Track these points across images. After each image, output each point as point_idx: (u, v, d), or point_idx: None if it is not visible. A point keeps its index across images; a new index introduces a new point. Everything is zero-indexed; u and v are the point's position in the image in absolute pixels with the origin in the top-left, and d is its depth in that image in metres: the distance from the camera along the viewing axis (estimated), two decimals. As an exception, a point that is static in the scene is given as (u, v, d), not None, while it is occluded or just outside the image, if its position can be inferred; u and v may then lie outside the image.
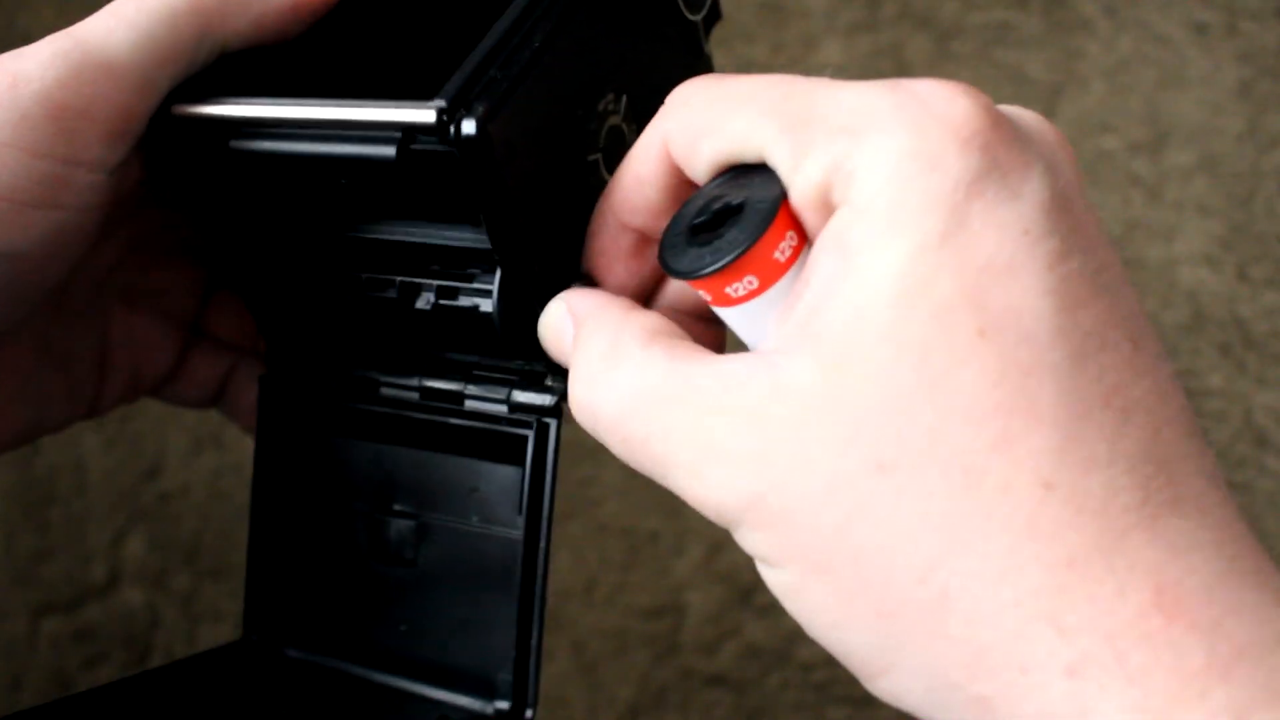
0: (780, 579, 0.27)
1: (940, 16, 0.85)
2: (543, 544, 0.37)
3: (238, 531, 0.73)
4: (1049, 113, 0.83)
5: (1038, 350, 0.24)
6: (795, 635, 0.72)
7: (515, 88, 0.30)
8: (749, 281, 0.27)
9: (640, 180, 0.31)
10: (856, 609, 0.25)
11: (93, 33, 0.33)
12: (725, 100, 0.28)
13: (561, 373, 0.35)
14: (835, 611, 0.26)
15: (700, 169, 0.29)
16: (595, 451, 0.76)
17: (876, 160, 0.24)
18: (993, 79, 0.83)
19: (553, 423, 0.36)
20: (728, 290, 0.28)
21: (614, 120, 0.34)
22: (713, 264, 0.27)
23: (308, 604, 0.41)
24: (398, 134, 0.30)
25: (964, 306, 0.24)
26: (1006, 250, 0.24)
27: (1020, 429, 0.23)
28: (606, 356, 0.29)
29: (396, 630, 0.40)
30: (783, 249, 0.27)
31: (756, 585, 0.73)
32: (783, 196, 0.27)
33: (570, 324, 0.31)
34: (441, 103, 0.29)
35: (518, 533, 0.36)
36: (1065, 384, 0.23)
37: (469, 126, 0.29)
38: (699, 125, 0.28)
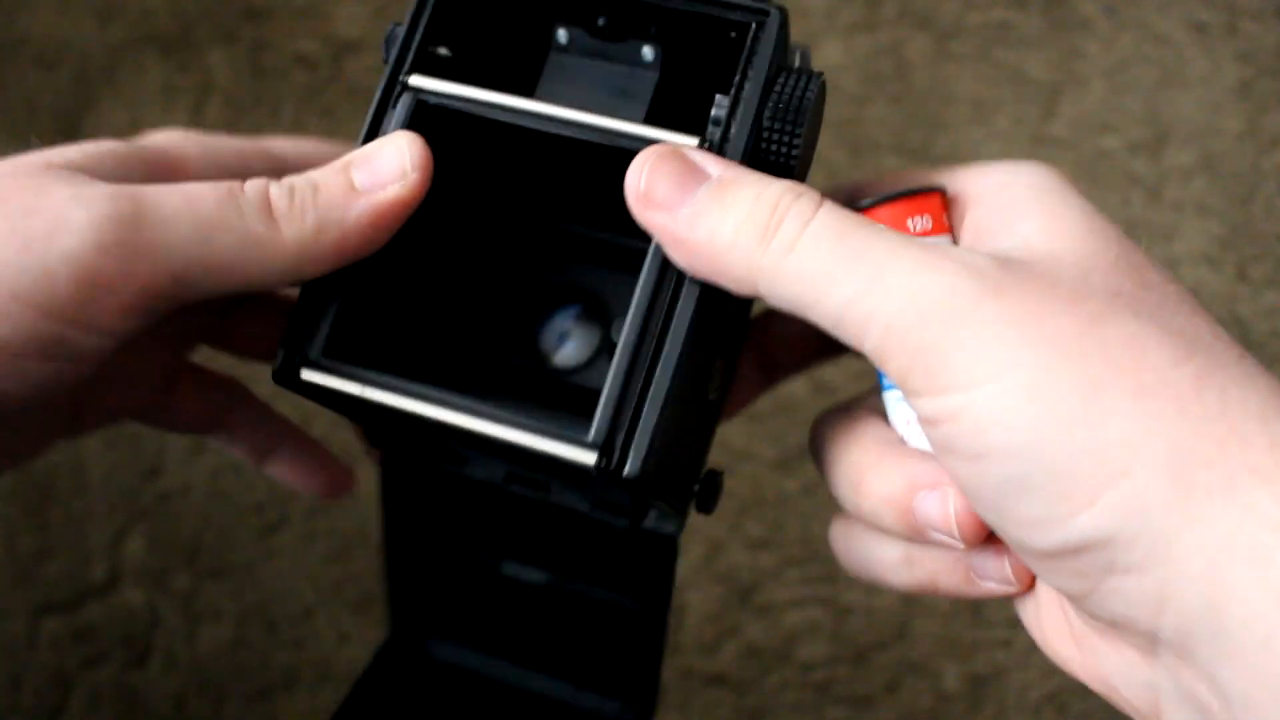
0: (1010, 384, 0.27)
1: (940, 16, 0.85)
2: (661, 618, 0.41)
3: (238, 531, 0.73)
4: (1049, 113, 0.83)
5: (1179, 288, 0.30)
6: (795, 635, 0.72)
7: (663, 417, 0.32)
8: (926, 219, 0.32)
9: None
10: (1110, 394, 0.26)
11: (157, 205, 0.30)
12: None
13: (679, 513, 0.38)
14: (1085, 400, 0.26)
15: None
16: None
17: (1029, 166, 0.34)
18: (993, 79, 0.83)
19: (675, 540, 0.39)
20: (909, 221, 0.32)
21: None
22: (901, 192, 0.32)
23: (446, 606, 0.43)
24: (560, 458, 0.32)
25: (1130, 242, 0.31)
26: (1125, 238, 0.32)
27: (1204, 313, 0.30)
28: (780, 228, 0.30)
29: (529, 633, 0.42)
30: (947, 217, 0.33)
31: (756, 585, 0.73)
32: (943, 187, 0.34)
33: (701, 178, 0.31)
34: (594, 455, 0.32)
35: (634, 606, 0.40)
36: (1204, 312, 0.30)
37: (632, 469, 0.32)
38: None
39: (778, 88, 0.33)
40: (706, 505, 0.38)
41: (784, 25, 0.33)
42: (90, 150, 0.33)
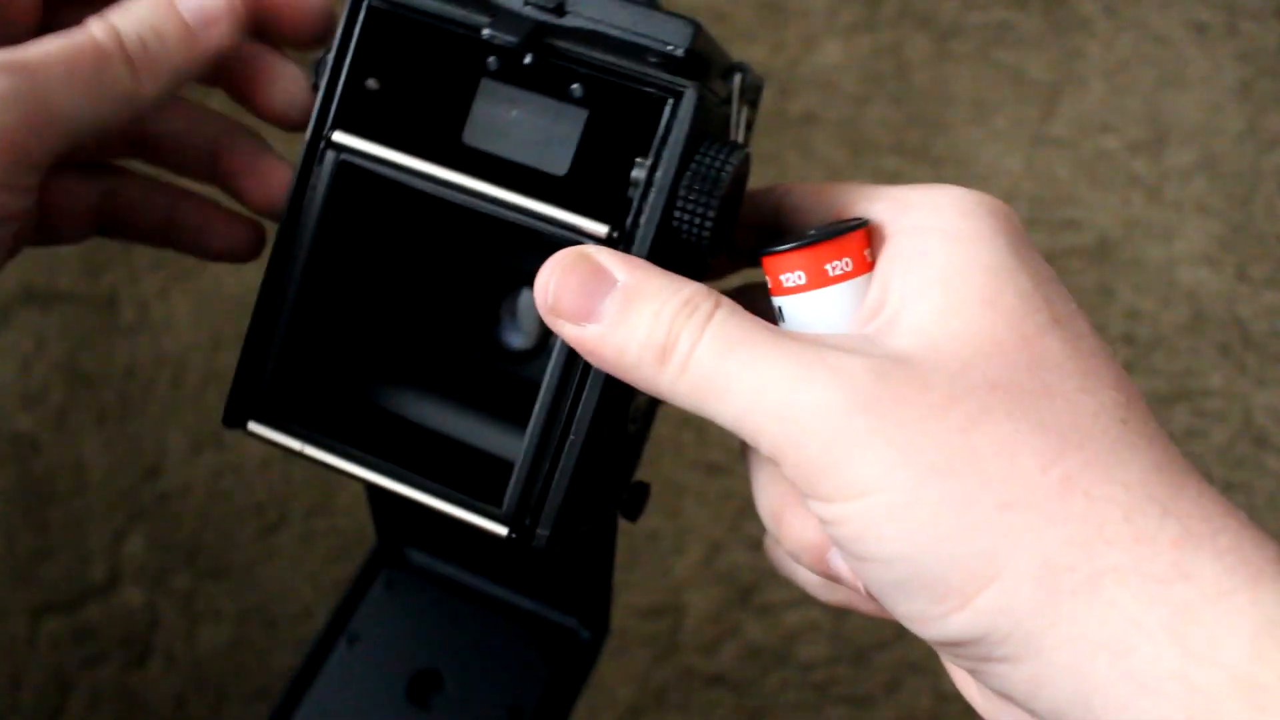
0: (883, 500, 0.28)
1: (940, 16, 0.85)
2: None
3: (238, 531, 0.73)
4: (1049, 113, 0.83)
5: (1090, 344, 0.30)
6: (795, 635, 0.72)
7: (572, 489, 0.34)
8: (846, 263, 0.32)
9: None
10: (978, 507, 0.27)
11: (47, 77, 0.33)
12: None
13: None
14: (953, 515, 0.27)
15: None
16: (595, 451, 0.76)
17: (956, 196, 0.32)
18: (993, 79, 0.83)
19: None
20: (827, 266, 0.32)
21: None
22: (822, 235, 0.32)
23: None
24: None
25: (1039, 299, 0.30)
26: (1052, 280, 0.31)
27: (1095, 384, 0.29)
28: (666, 348, 0.30)
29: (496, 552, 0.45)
30: (868, 253, 0.32)
31: (756, 585, 0.73)
32: (866, 223, 0.33)
33: (605, 283, 0.31)
34: (505, 529, 0.34)
35: None
36: (1113, 370, 0.30)
37: (538, 542, 0.34)
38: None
39: (694, 163, 0.33)
40: (631, 514, 0.40)
41: (703, 99, 0.33)
42: None
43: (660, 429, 0.76)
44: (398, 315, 0.39)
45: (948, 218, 0.31)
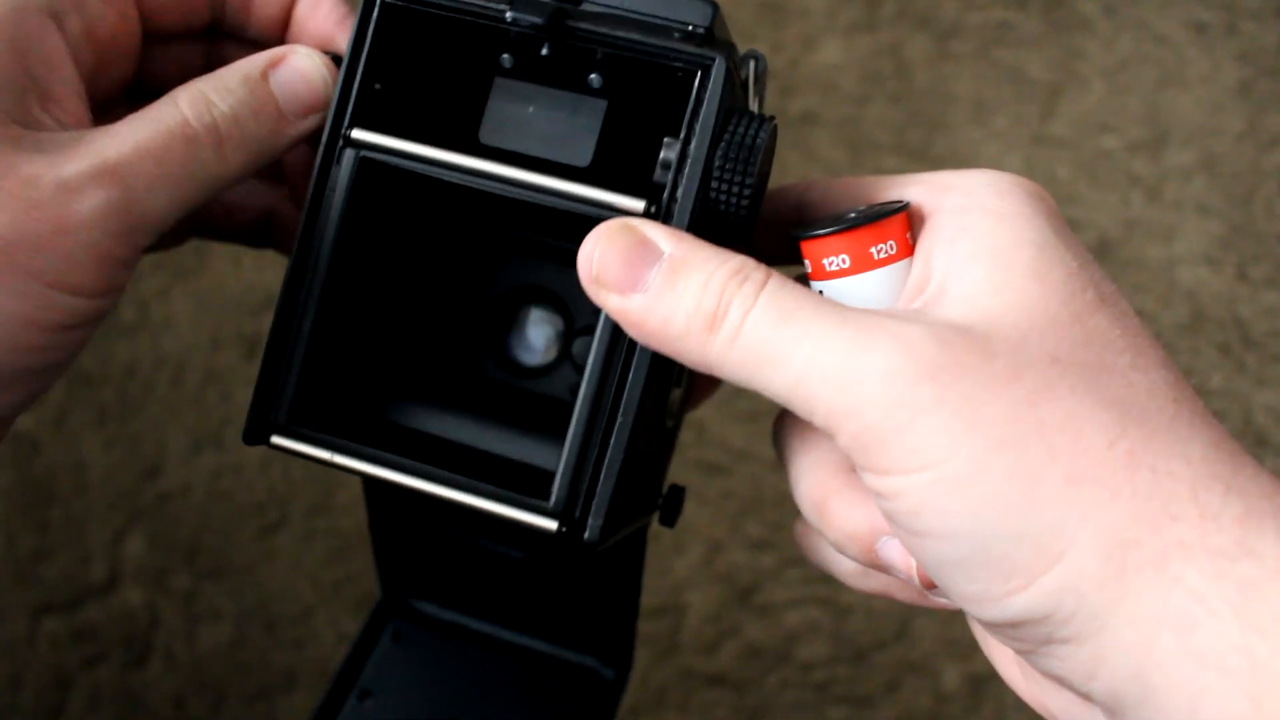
0: (947, 472, 0.27)
1: (940, 16, 0.85)
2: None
3: (238, 531, 0.73)
4: (1049, 113, 0.83)
5: (1134, 324, 0.30)
6: (795, 635, 0.72)
7: (621, 479, 0.33)
8: (890, 245, 0.32)
9: None
10: (1045, 481, 0.27)
11: (138, 184, 0.32)
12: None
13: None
14: (1019, 489, 0.27)
15: None
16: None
17: (993, 178, 0.32)
18: (993, 79, 0.83)
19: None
20: (873, 249, 0.32)
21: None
22: (865, 217, 0.32)
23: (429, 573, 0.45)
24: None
25: (1085, 278, 0.30)
26: (1093, 263, 0.31)
27: (1145, 363, 0.29)
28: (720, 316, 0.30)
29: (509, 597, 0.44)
30: (910, 236, 0.32)
31: (756, 585, 0.73)
32: (907, 205, 0.33)
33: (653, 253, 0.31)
34: (555, 523, 0.33)
35: None
36: (1158, 349, 0.30)
37: (592, 534, 0.33)
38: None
39: (727, 135, 0.32)
40: (669, 519, 0.39)
41: (730, 71, 0.32)
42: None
43: (660, 429, 0.77)
44: (413, 327, 0.38)
45: (987, 197, 0.31)
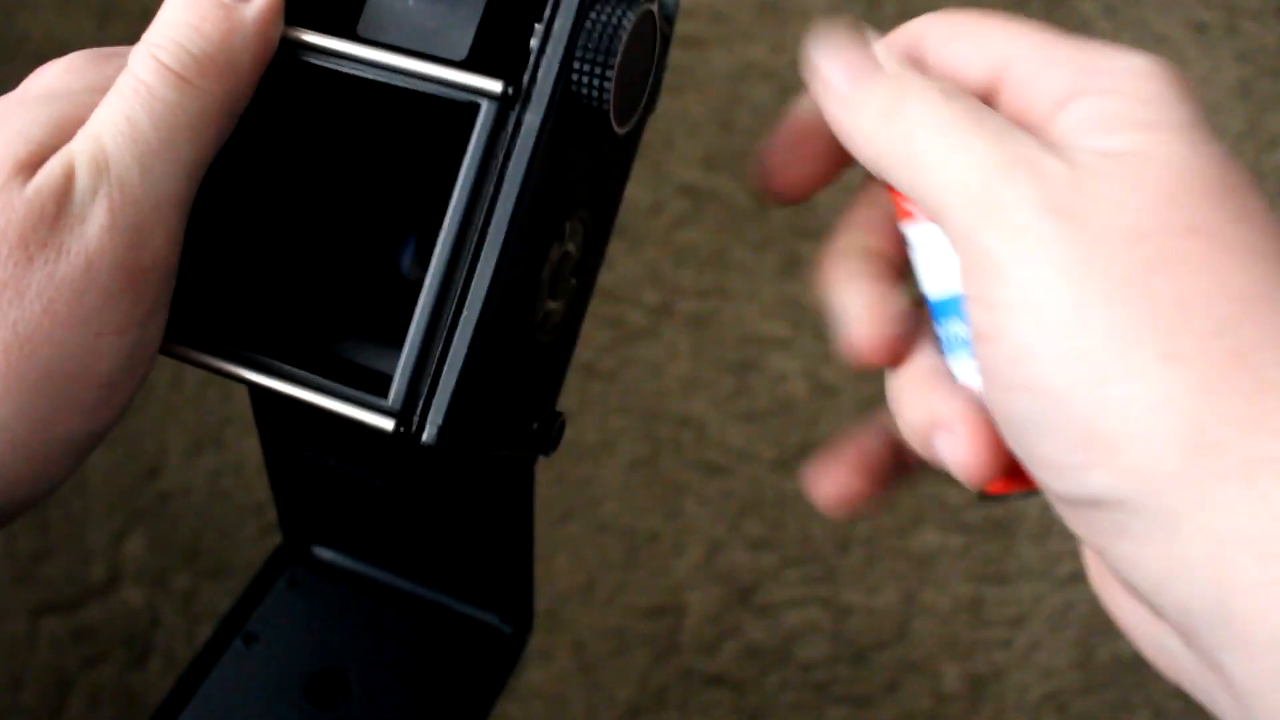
0: (1049, 317, 0.27)
1: (940, 16, 0.85)
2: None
3: (238, 531, 0.73)
4: (1049, 113, 0.83)
5: (1273, 235, 0.28)
6: (795, 635, 0.72)
7: (466, 377, 0.31)
8: None
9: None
10: (1142, 351, 0.26)
11: (129, 173, 0.30)
12: (984, 19, 0.33)
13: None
14: (1116, 351, 0.26)
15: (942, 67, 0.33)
16: (595, 451, 0.76)
17: (1142, 62, 0.30)
18: (993, 79, 0.83)
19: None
20: None
21: (561, 252, 0.35)
22: None
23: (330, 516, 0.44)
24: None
25: (1235, 176, 0.28)
26: (1232, 160, 0.29)
27: (1278, 265, 0.27)
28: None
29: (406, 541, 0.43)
30: None
31: (756, 585, 0.73)
32: None
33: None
34: (392, 422, 0.31)
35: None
36: None
37: (430, 436, 0.31)
38: (958, 28, 0.33)
39: (589, 21, 0.31)
40: (545, 448, 0.38)
41: None
42: (34, 137, 0.31)
43: (660, 428, 0.76)
44: (299, 236, 0.37)
45: (1136, 81, 0.30)
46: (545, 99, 0.31)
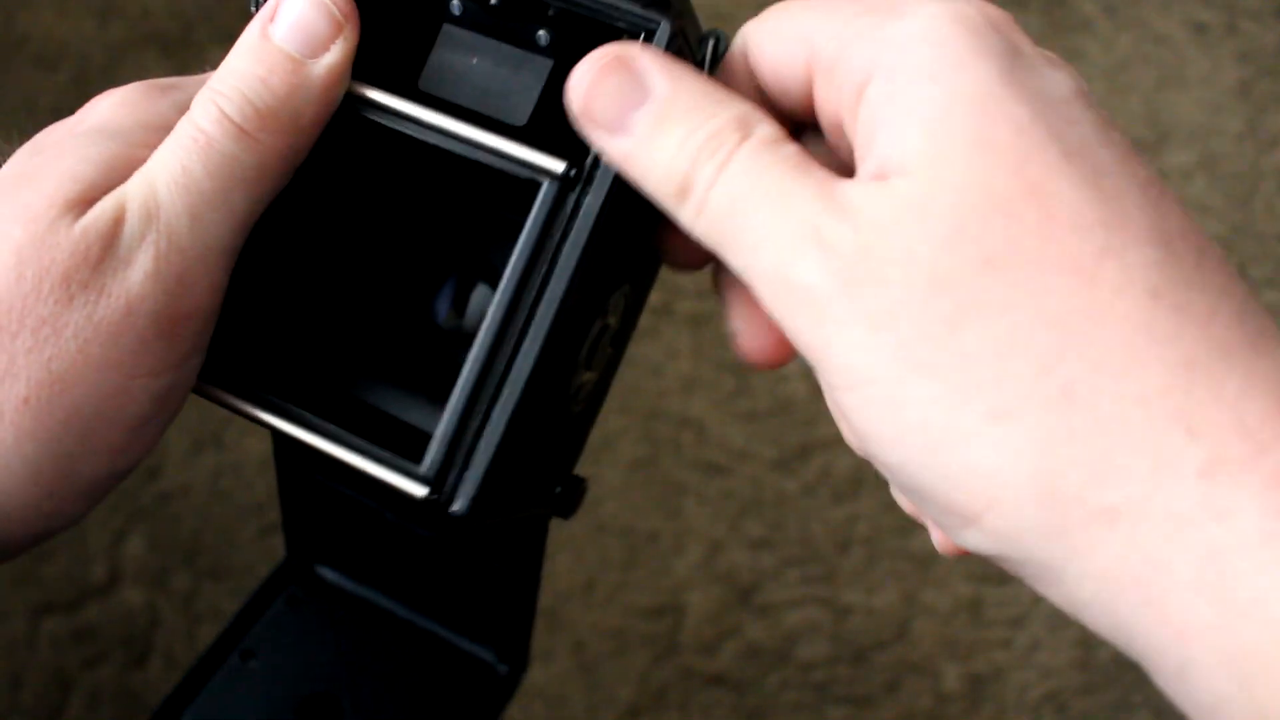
0: (878, 393, 0.25)
1: (940, 16, 0.85)
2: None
3: (238, 531, 0.73)
4: (1049, 113, 0.83)
5: (1116, 182, 0.25)
6: (795, 635, 0.72)
7: (503, 451, 0.31)
8: None
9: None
10: (967, 414, 0.24)
11: (179, 222, 0.30)
12: (790, 4, 0.30)
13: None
14: (941, 421, 0.24)
15: (766, 75, 0.30)
16: (595, 451, 0.76)
17: (916, 28, 0.26)
18: (993, 79, 0.83)
19: None
20: None
21: (602, 324, 0.35)
22: None
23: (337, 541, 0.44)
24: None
25: (1043, 132, 0.25)
26: (1066, 101, 0.26)
27: (1120, 243, 0.24)
28: (704, 146, 0.27)
29: (411, 572, 0.43)
30: None
31: (756, 585, 0.73)
32: None
33: (640, 91, 0.28)
34: (425, 489, 0.31)
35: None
36: (1149, 212, 0.25)
37: (461, 507, 0.31)
38: (772, 22, 0.30)
39: None
40: (565, 511, 0.38)
41: (679, 38, 0.30)
42: (85, 177, 0.31)
43: (660, 428, 0.76)
44: (342, 286, 0.37)
45: (922, 48, 0.26)
46: (607, 184, 0.30)
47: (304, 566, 0.45)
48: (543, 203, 0.30)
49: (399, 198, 0.36)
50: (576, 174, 0.31)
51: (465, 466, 0.31)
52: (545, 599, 0.72)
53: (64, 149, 0.32)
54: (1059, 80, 0.26)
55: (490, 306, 0.31)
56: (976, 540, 0.25)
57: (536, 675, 0.71)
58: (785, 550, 0.73)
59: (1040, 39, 0.87)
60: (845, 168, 0.30)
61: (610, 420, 0.76)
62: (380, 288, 0.37)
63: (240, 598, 0.63)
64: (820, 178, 0.26)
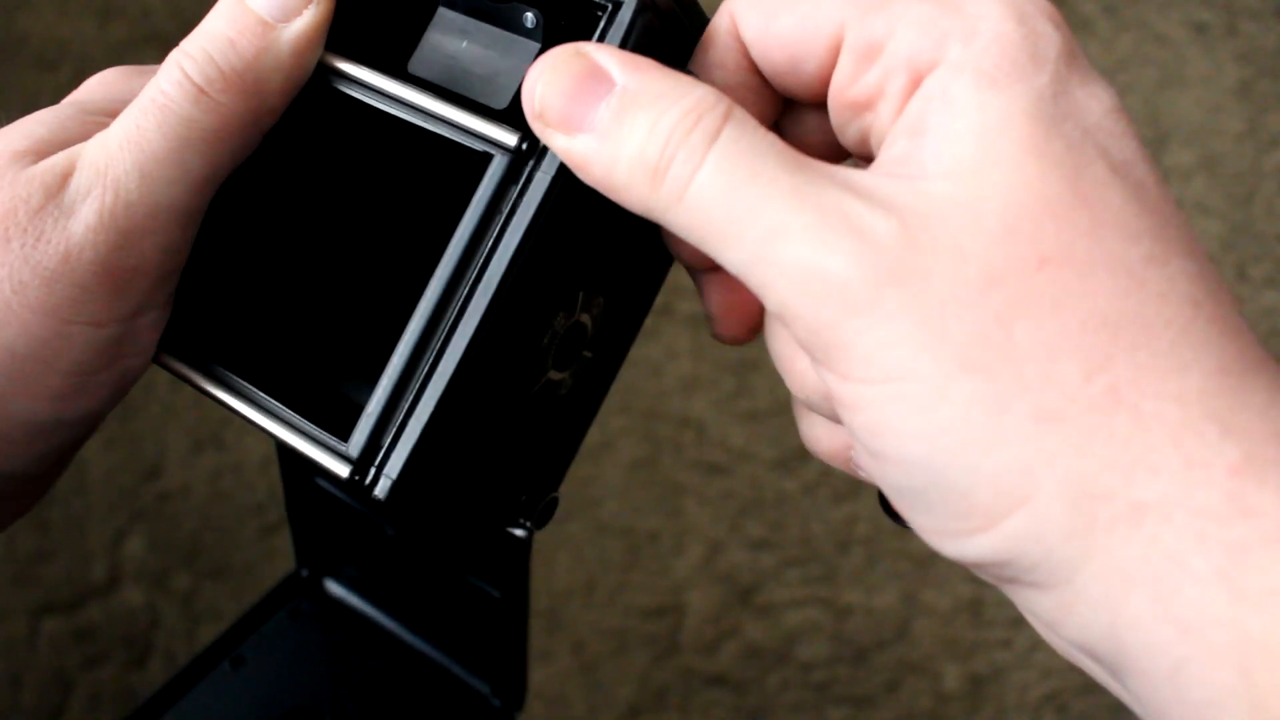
0: (907, 390, 0.24)
1: (940, 16, 0.85)
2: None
3: (238, 531, 0.73)
4: (1049, 113, 0.83)
5: (1156, 195, 0.26)
6: (795, 635, 0.72)
7: (432, 432, 0.29)
8: None
9: (712, 67, 0.30)
10: (1011, 415, 0.24)
11: (127, 179, 0.30)
12: None
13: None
14: (983, 420, 0.24)
15: (771, 49, 0.29)
16: (595, 451, 0.76)
17: (980, 26, 0.26)
18: (993, 79, 0.83)
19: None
20: None
21: (570, 321, 0.34)
22: None
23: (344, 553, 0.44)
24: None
25: (1091, 147, 0.26)
26: (1109, 118, 0.26)
27: (1163, 253, 0.25)
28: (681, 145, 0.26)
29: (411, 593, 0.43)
30: None
31: (756, 585, 0.73)
32: None
33: (605, 83, 0.27)
34: (349, 467, 0.30)
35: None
36: (1184, 228, 0.26)
37: (382, 490, 0.30)
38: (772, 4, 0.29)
39: None
40: (537, 520, 0.36)
41: (642, 10, 0.29)
42: (35, 134, 0.32)
43: (660, 428, 0.77)
44: (320, 253, 0.36)
45: (983, 55, 0.26)
46: (559, 161, 0.29)
47: (314, 579, 0.45)
48: (492, 175, 0.29)
49: (377, 178, 0.36)
50: (529, 147, 0.29)
51: (391, 448, 0.30)
52: (545, 599, 0.72)
53: (30, 117, 0.33)
54: (1102, 96, 0.27)
55: (431, 280, 0.29)
56: (987, 544, 0.25)
57: (536, 675, 0.71)
58: (785, 550, 0.73)
59: (1040, 39, 0.84)
60: (829, 150, 0.30)
61: (610, 420, 0.76)
62: (355, 269, 0.36)
63: (240, 598, 0.63)
64: (821, 165, 0.26)
